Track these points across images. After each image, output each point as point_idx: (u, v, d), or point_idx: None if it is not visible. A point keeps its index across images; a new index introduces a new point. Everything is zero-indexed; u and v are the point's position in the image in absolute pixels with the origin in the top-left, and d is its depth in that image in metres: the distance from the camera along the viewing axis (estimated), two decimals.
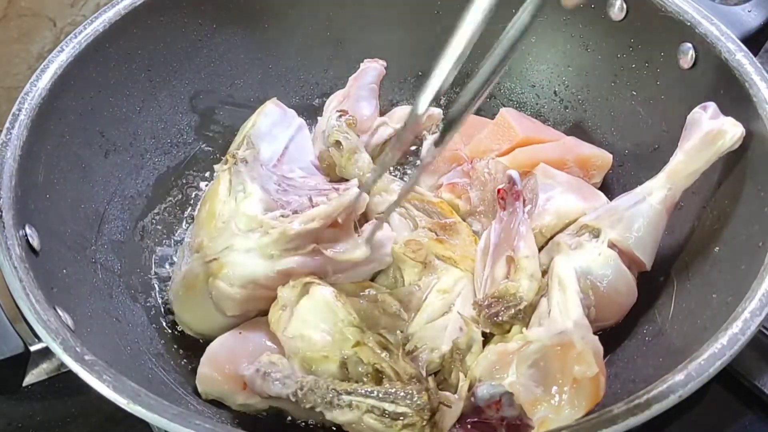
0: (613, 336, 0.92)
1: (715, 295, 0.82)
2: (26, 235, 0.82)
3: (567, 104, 1.15)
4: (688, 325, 0.84)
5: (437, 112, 1.15)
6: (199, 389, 0.88)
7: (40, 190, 0.89)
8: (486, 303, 0.86)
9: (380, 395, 0.76)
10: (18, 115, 0.89)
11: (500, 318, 0.85)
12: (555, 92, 1.16)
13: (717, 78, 0.92)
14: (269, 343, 0.88)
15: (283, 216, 0.91)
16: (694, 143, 0.89)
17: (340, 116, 1.02)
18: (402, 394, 0.76)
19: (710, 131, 0.88)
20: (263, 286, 0.88)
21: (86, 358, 0.72)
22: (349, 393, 0.77)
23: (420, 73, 1.21)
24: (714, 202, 0.91)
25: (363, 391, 0.77)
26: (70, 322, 0.78)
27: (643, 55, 1.03)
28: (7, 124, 0.88)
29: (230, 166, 0.96)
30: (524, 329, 0.83)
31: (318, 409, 0.78)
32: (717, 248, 0.87)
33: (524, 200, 0.94)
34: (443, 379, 0.86)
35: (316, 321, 0.83)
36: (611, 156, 1.04)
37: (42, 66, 0.94)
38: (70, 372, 0.72)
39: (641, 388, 0.70)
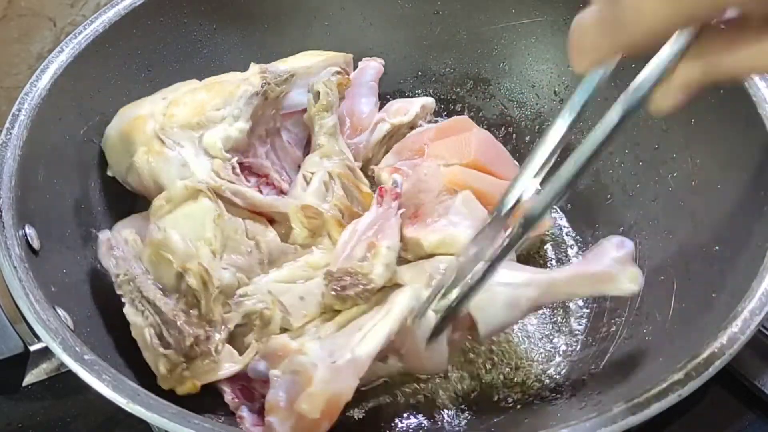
0: (613, 336, 0.93)
1: (715, 295, 0.82)
2: (26, 235, 0.82)
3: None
4: (688, 325, 0.84)
5: (430, 101, 1.15)
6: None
7: (40, 190, 0.89)
8: (337, 275, 0.86)
9: (165, 318, 0.80)
10: (18, 115, 0.89)
11: (346, 292, 0.85)
12: (555, 92, 1.16)
13: None
14: None
15: (236, 167, 0.95)
16: (585, 274, 0.83)
17: (336, 73, 1.03)
18: (177, 326, 0.79)
19: (602, 273, 0.82)
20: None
21: (86, 358, 0.72)
22: (148, 301, 0.81)
23: (419, 73, 1.21)
24: (714, 202, 0.91)
25: (156, 306, 0.80)
26: (70, 322, 0.78)
27: None
28: (7, 124, 0.88)
29: (257, 87, 0.98)
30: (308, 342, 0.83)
31: (123, 299, 0.82)
32: (717, 248, 0.87)
33: (400, 203, 0.95)
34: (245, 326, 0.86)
35: (185, 227, 0.87)
36: (549, 224, 1.05)
37: (42, 66, 0.94)
38: (70, 372, 0.72)
39: (641, 387, 0.70)
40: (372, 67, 1.14)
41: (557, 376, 0.93)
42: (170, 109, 0.96)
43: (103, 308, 0.90)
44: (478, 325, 0.85)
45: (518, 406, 0.90)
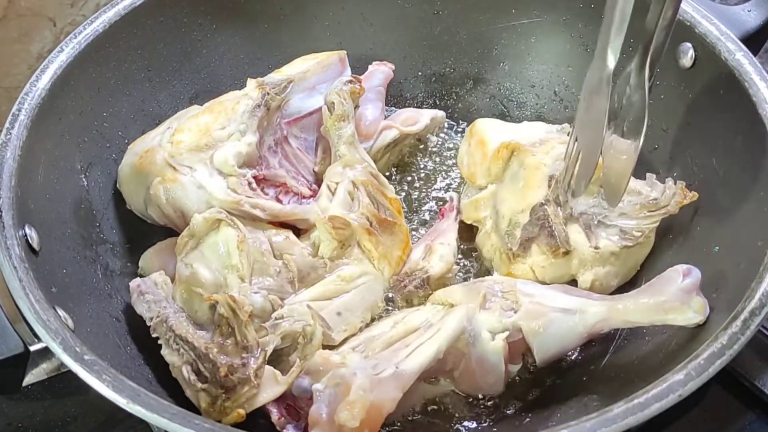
0: (613, 336, 0.92)
1: (715, 295, 0.82)
2: (26, 235, 0.82)
3: (567, 104, 1.15)
4: None
5: (440, 114, 1.16)
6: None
7: (40, 190, 0.89)
8: (399, 279, 0.94)
9: (198, 352, 0.80)
10: (18, 115, 0.89)
11: (406, 289, 0.92)
12: (555, 92, 1.16)
13: (717, 78, 0.92)
14: None
15: (251, 182, 0.96)
16: (649, 303, 0.82)
17: (349, 82, 1.04)
18: (210, 358, 0.80)
19: (669, 302, 0.81)
20: (187, 222, 0.93)
21: (86, 358, 0.72)
22: (182, 339, 0.82)
23: (419, 73, 1.21)
24: (714, 202, 0.91)
25: (189, 343, 0.81)
26: (70, 322, 0.78)
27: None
28: (7, 124, 0.88)
29: (258, 99, 0.99)
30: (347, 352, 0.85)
31: (160, 341, 0.84)
32: (717, 248, 0.87)
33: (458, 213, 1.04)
34: (290, 346, 0.87)
35: (211, 258, 0.89)
36: None
37: (42, 66, 0.94)
38: (70, 372, 0.73)
39: (641, 388, 0.70)
40: (381, 71, 1.14)
41: (557, 377, 0.93)
42: (176, 136, 0.97)
43: (103, 308, 0.90)
44: (534, 352, 0.86)
45: (519, 407, 0.90)
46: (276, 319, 0.87)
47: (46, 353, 0.78)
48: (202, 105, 1.05)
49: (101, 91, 1.01)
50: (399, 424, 0.88)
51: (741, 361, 0.91)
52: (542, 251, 0.92)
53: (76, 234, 0.92)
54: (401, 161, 1.15)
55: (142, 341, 0.90)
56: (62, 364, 0.73)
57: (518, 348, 0.87)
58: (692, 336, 0.79)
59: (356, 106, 1.05)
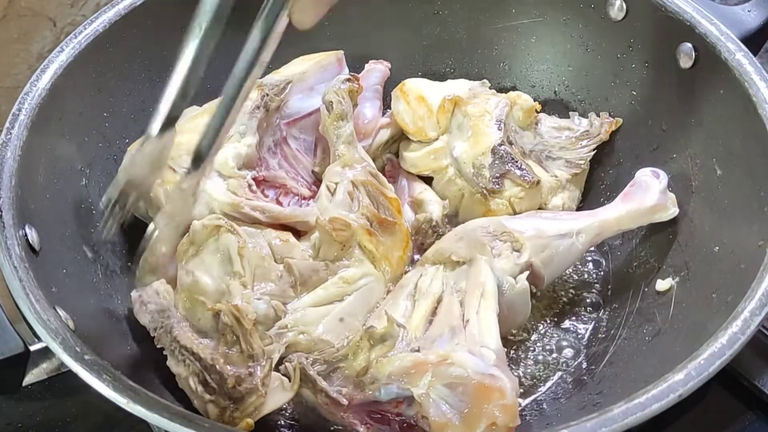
0: (613, 336, 0.93)
1: (715, 295, 0.82)
2: (26, 235, 0.82)
3: (567, 104, 1.15)
4: (688, 325, 0.84)
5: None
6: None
7: (40, 190, 0.89)
8: (417, 242, 0.99)
9: (204, 364, 0.80)
10: (18, 115, 0.89)
11: (425, 245, 0.98)
12: (555, 92, 1.16)
13: (717, 78, 0.92)
14: None
15: (252, 184, 0.96)
16: (640, 209, 0.95)
17: (347, 80, 1.03)
18: (217, 369, 0.79)
19: (658, 205, 0.95)
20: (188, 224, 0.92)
21: (86, 358, 0.72)
22: (187, 350, 0.81)
23: (420, 73, 1.21)
24: (714, 202, 0.91)
25: (194, 354, 0.80)
26: (70, 322, 0.78)
27: (643, 55, 1.03)
28: (7, 124, 0.88)
29: (257, 100, 0.99)
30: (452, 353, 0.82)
31: (165, 352, 0.83)
32: (717, 248, 0.87)
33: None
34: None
35: (212, 265, 0.88)
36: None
37: (42, 66, 0.94)
38: (70, 372, 0.72)
39: (641, 388, 0.70)
40: (378, 70, 1.14)
41: (557, 377, 0.93)
42: (175, 138, 0.96)
43: (103, 308, 0.90)
44: (545, 279, 0.92)
45: (519, 407, 0.90)
46: (280, 328, 0.86)
47: (46, 353, 0.78)
48: (201, 106, 1.05)
49: (101, 91, 1.01)
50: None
51: (741, 361, 0.91)
52: (516, 184, 0.99)
53: (76, 234, 0.92)
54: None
55: (142, 341, 0.90)
56: (62, 364, 0.73)
57: (534, 278, 0.91)
58: (692, 336, 0.79)
59: (354, 105, 1.05)
